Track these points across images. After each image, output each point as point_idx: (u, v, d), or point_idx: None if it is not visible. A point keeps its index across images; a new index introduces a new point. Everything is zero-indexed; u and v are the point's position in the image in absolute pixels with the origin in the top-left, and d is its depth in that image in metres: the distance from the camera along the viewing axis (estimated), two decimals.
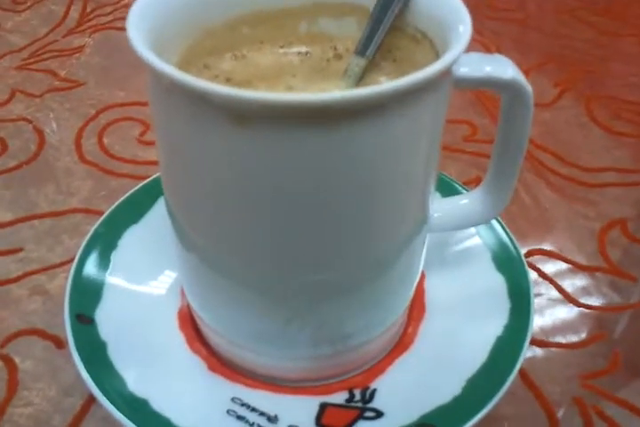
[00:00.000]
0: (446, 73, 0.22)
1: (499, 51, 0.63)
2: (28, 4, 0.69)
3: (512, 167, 0.30)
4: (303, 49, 0.29)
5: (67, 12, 0.68)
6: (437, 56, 0.25)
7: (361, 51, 0.27)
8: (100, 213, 0.38)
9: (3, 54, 0.61)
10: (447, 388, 0.31)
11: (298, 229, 0.24)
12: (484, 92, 0.57)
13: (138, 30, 0.22)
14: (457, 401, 0.31)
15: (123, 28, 0.21)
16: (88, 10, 0.69)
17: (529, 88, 0.26)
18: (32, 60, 0.61)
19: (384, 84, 0.19)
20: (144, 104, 0.54)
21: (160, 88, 0.22)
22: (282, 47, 0.29)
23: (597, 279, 0.42)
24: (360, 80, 0.27)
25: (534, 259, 0.43)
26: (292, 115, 0.20)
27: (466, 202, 0.32)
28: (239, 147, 0.21)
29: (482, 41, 0.65)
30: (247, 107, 0.20)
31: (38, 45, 0.63)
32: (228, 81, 0.27)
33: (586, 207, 0.47)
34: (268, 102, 0.19)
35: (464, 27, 0.22)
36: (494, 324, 0.34)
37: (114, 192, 0.45)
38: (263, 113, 0.20)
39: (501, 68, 0.25)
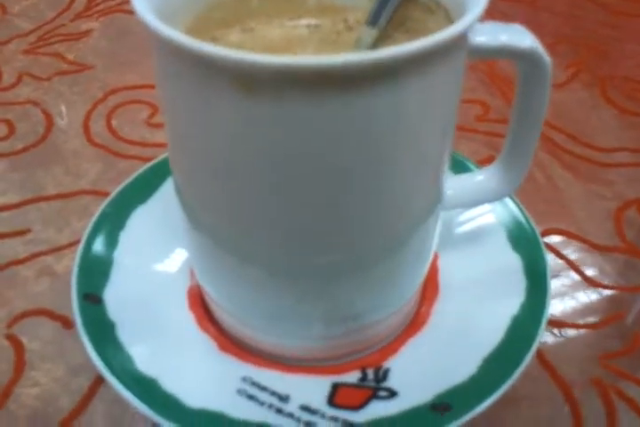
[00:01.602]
0: (463, 38, 0.21)
1: None
2: None
3: (529, 141, 0.29)
4: (313, 21, 0.28)
5: None
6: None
7: (372, 21, 0.26)
8: (109, 195, 0.38)
9: (10, 38, 0.61)
10: (463, 367, 0.31)
11: (309, 205, 0.24)
12: (496, 71, 0.57)
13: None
14: (473, 381, 0.30)
15: (130, 12, 0.21)
16: None
17: (547, 57, 0.25)
18: (39, 44, 0.60)
19: (401, 46, 0.19)
20: (152, 87, 0.53)
21: (166, 58, 0.22)
22: (291, 20, 0.28)
23: (614, 259, 0.41)
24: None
25: (549, 239, 0.42)
26: (305, 79, 0.19)
27: (480, 178, 0.31)
28: (249, 116, 0.21)
29: None
30: (260, 72, 0.19)
31: (46, 29, 0.62)
32: None
33: (601, 187, 0.46)
34: (283, 66, 0.18)
35: None
36: (510, 303, 0.33)
37: (122, 174, 0.44)
38: (276, 78, 0.19)
39: (519, 36, 0.24)
